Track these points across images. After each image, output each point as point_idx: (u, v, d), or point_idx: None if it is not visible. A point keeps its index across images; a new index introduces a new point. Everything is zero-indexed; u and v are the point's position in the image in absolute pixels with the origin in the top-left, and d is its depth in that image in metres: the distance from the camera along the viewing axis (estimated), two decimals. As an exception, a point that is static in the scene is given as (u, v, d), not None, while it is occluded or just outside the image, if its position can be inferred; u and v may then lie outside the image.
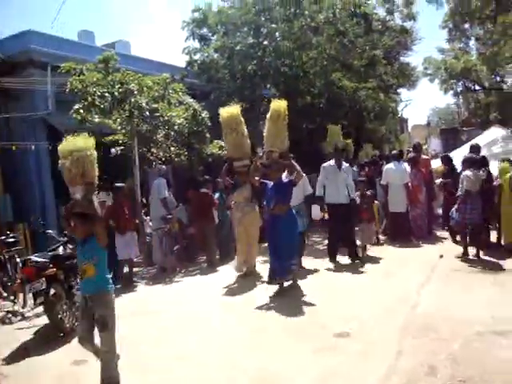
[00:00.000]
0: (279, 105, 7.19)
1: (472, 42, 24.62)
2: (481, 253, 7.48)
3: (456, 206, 7.63)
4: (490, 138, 13.02)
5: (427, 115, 50.78)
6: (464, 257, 7.51)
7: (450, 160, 9.76)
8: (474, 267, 6.96)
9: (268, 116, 7.26)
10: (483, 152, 9.96)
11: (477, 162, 7.84)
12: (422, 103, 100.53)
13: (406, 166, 9.66)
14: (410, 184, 9.30)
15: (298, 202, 7.09)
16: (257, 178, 6.67)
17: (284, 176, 6.88)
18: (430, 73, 26.53)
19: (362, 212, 8.29)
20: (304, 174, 6.98)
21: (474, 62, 24.12)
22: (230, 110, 7.60)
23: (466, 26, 22.50)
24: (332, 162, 8.09)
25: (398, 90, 23.62)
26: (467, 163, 7.69)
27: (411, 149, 11.22)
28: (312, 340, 4.59)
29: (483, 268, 6.87)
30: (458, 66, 23.95)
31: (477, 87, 27.85)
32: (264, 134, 7.24)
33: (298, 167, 6.52)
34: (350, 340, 4.56)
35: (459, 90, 28.26)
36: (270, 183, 6.40)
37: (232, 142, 7.52)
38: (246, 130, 7.66)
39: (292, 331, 4.87)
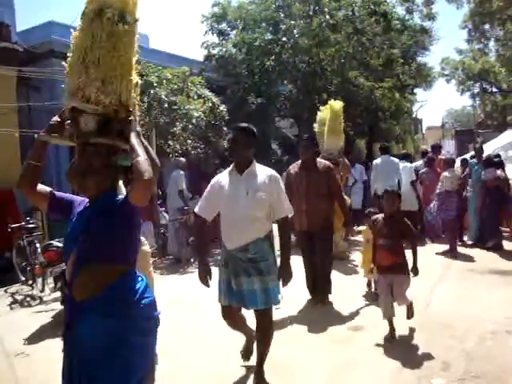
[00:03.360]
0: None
1: (492, 43, 24.37)
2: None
3: (436, 204, 8.21)
4: (506, 141, 12.91)
5: (442, 116, 50.51)
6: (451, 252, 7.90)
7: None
8: (487, 268, 6.98)
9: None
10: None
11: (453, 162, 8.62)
12: (438, 104, 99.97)
13: (416, 165, 10.07)
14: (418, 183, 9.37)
15: None
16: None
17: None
18: (446, 73, 26.38)
19: None
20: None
21: (493, 63, 23.92)
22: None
23: (486, 26, 22.30)
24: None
25: (414, 91, 23.52)
26: (447, 164, 8.32)
27: (429, 149, 11.20)
28: (327, 332, 4.67)
29: (497, 269, 6.88)
30: (475, 67, 23.79)
31: (494, 89, 27.59)
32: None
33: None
34: (364, 333, 4.63)
35: (476, 91, 28.01)
36: None
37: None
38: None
39: (307, 323, 4.95)
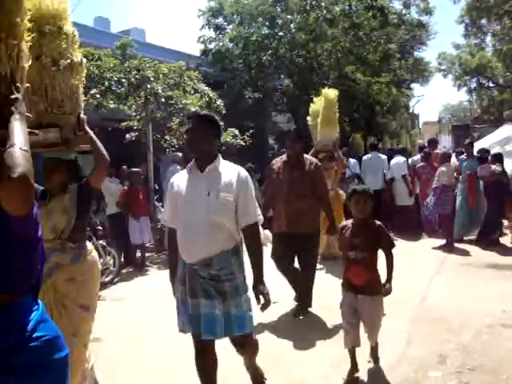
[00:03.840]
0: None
1: (488, 38, 24.45)
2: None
3: (432, 198, 8.20)
4: (503, 136, 12.93)
5: (439, 111, 50.58)
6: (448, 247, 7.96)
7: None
8: (484, 262, 7.01)
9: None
10: (496, 150, 9.99)
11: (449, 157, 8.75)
12: (434, 99, 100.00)
13: (413, 159, 10.14)
14: (407, 176, 9.39)
15: None
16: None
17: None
18: (443, 68, 26.42)
19: None
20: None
21: (490, 58, 23.93)
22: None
23: (483, 21, 22.32)
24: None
25: (411, 86, 23.56)
26: (444, 159, 8.39)
27: (427, 144, 11.26)
28: (324, 327, 4.69)
29: (494, 263, 6.91)
30: (472, 62, 23.81)
31: (491, 84, 27.64)
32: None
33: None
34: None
35: (473, 86, 28.05)
36: None
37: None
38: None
39: (304, 320, 4.96)
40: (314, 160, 5.13)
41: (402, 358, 3.91)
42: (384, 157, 9.93)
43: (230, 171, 2.88)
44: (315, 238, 5.01)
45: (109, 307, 5.39)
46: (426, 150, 9.87)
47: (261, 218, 2.97)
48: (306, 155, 5.16)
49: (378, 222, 3.60)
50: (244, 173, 2.91)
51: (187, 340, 2.92)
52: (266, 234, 4.77)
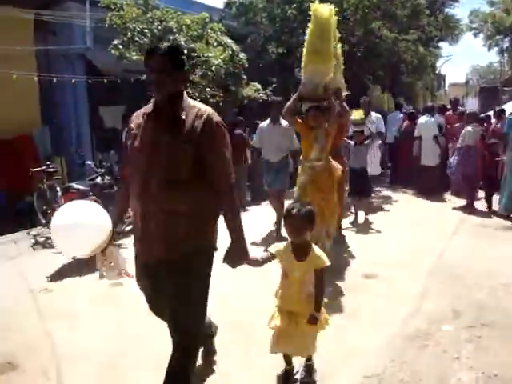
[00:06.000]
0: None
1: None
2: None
3: (456, 158, 8.12)
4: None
5: (466, 73, 49.04)
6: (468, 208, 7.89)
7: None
8: (503, 224, 6.97)
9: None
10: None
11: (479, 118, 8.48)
12: (462, 61, 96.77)
13: (438, 119, 9.49)
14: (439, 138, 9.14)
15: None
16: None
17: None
18: (475, 27, 25.45)
19: None
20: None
21: (525, 16, 22.94)
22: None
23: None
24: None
25: (440, 44, 22.77)
26: (470, 118, 8.07)
27: (449, 104, 11.01)
28: (342, 279, 4.78)
29: (512, 226, 6.89)
30: (507, 19, 22.84)
31: (525, 44, 26.57)
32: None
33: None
34: (377, 281, 4.73)
35: (505, 46, 26.97)
36: None
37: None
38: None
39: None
40: (207, 110, 2.46)
41: (416, 311, 3.99)
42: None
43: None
44: (200, 264, 2.49)
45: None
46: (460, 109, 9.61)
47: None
48: (194, 101, 2.53)
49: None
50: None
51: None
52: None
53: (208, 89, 9.58)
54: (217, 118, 2.48)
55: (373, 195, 8.10)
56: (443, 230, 6.65)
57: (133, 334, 3.67)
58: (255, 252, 2.80)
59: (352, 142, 7.07)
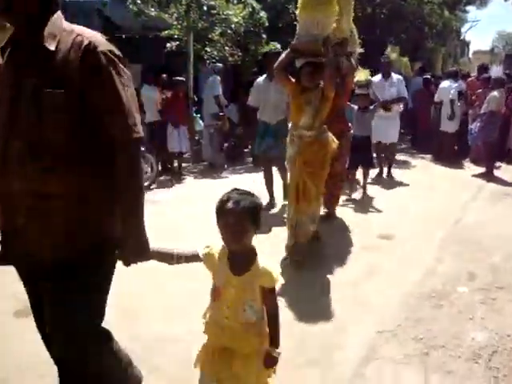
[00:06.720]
0: None
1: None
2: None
3: (477, 125, 7.94)
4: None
5: (492, 40, 47.54)
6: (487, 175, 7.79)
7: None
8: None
9: None
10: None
11: (504, 83, 8.18)
12: (488, 27, 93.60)
13: (461, 85, 9.12)
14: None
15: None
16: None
17: None
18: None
19: None
20: None
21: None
22: None
23: None
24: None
25: (466, 8, 21.97)
26: (497, 84, 7.90)
27: (476, 71, 10.76)
28: (358, 239, 4.81)
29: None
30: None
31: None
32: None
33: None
34: (392, 242, 4.75)
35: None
36: None
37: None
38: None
39: (339, 229, 5.10)
40: (90, 36, 1.71)
41: (432, 272, 4.02)
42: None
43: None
44: (89, 270, 1.79)
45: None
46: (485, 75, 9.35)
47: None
48: (72, 25, 1.77)
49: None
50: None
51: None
52: None
53: (227, 47, 9.46)
54: (106, 46, 1.71)
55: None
56: (461, 195, 6.60)
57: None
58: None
59: (356, 107, 6.18)
